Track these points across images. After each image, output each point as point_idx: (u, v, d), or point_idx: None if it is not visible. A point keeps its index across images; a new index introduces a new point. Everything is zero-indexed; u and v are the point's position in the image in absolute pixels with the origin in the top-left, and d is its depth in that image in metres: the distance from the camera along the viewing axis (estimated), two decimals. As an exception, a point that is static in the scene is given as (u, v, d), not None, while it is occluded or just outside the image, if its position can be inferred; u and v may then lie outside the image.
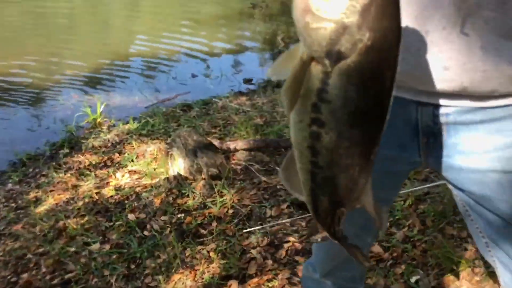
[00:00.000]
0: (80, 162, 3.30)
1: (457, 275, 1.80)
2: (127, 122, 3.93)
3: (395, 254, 1.97)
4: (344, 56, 0.51)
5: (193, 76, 5.28)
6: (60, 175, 3.11)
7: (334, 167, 0.60)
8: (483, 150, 0.81)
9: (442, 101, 0.79)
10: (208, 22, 8.05)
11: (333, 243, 0.79)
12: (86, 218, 2.55)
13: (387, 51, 0.52)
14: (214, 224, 2.32)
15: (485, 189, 0.83)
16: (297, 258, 2.04)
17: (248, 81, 5.15)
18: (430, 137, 0.84)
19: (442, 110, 0.80)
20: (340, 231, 0.72)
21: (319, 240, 0.77)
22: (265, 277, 1.96)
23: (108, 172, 3.09)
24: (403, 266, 1.90)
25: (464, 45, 0.73)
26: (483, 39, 0.72)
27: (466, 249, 1.91)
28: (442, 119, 0.81)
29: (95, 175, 3.07)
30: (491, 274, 1.75)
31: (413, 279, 1.83)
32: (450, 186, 0.91)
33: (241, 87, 4.99)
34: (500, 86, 0.75)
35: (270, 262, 2.04)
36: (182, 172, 2.75)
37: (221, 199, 2.48)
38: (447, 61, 0.74)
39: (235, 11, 8.18)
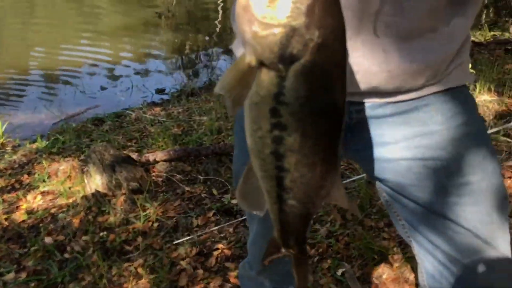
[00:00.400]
0: (-17, 187, 3.04)
1: (378, 264, 1.92)
2: (35, 141, 3.69)
3: (320, 250, 2.05)
4: (297, 58, 0.52)
5: (102, 88, 5.11)
6: (-39, 203, 2.85)
7: (301, 167, 0.61)
8: (394, 141, 0.88)
9: (355, 99, 0.86)
10: (112, 32, 7.81)
11: (266, 239, 0.81)
12: (-4, 247, 2.36)
13: (336, 46, 0.54)
14: (140, 239, 2.26)
15: (399, 177, 0.90)
16: (227, 264, 2.05)
17: (160, 91, 5.08)
18: (347, 132, 0.90)
19: (356, 107, 0.87)
20: (305, 237, 0.73)
21: (273, 258, 0.76)
22: (197, 287, 1.94)
23: (17, 195, 2.88)
24: (329, 261, 1.99)
25: (368, 51, 0.80)
26: (385, 42, 0.80)
27: (384, 239, 2.04)
28: (356, 115, 0.88)
29: (3, 199, 2.84)
30: (408, 259, 1.88)
31: (339, 272, 1.92)
32: (370, 177, 0.98)
33: (154, 98, 4.91)
34: (404, 83, 0.83)
35: (200, 271, 2.03)
36: (100, 189, 2.64)
37: (144, 213, 2.42)
38: (355, 66, 0.81)
39: (139, 21, 8.01)
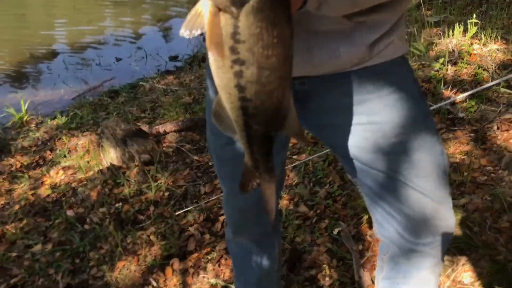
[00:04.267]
0: (11, 165, 3.26)
1: (371, 222, 2.01)
2: (55, 117, 3.88)
3: (318, 211, 2.16)
4: (246, 1, 0.60)
5: (117, 60, 5.21)
6: (-8, 181, 3.08)
7: (261, 96, 0.70)
8: (335, 109, 0.99)
9: (296, 74, 0.94)
10: (130, 2, 7.84)
11: (239, 197, 0.90)
12: (24, 221, 2.57)
13: None
14: (152, 208, 2.42)
15: (343, 141, 1.01)
16: (232, 228, 2.19)
17: (174, 58, 5.16)
18: (296, 103, 1.00)
19: (296, 80, 0.96)
20: (272, 160, 0.83)
21: (254, 186, 0.87)
22: (204, 251, 2.10)
23: (41, 171, 3.09)
24: (326, 221, 2.10)
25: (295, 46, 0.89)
26: (309, 41, 0.89)
27: (379, 197, 2.12)
28: (300, 88, 0.98)
29: (29, 176, 3.06)
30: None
31: (335, 231, 2.03)
32: (325, 144, 1.08)
33: (168, 66, 5.00)
34: (331, 70, 0.93)
35: (207, 236, 2.18)
36: (115, 162, 2.80)
37: (155, 184, 2.58)
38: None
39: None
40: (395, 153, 0.98)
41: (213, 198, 2.38)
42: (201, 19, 0.65)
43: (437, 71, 2.92)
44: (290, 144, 2.67)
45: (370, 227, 2.00)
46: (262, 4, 0.61)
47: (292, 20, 0.66)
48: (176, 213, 2.32)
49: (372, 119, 0.97)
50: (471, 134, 2.35)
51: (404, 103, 0.97)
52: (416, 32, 3.67)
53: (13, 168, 3.22)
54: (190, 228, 2.24)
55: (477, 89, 2.57)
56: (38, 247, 2.34)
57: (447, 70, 2.92)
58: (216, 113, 0.77)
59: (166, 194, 2.51)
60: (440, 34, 3.53)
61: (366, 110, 0.97)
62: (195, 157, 2.79)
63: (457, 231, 1.84)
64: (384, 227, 1.09)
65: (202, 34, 0.67)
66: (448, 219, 1.05)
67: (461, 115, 2.48)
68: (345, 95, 0.97)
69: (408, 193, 0.99)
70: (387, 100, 0.96)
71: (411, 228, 1.04)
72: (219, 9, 0.62)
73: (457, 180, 2.08)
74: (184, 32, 0.66)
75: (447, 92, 2.72)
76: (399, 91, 0.96)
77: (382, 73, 0.96)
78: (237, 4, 0.60)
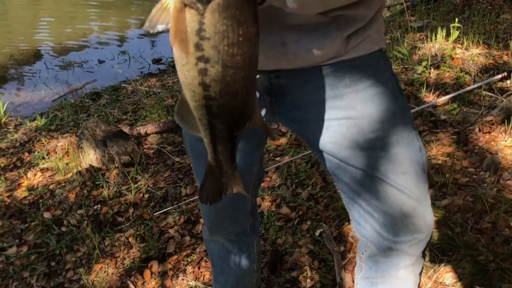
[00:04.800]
0: (-13, 167, 3.18)
1: (354, 223, 1.99)
2: (34, 119, 3.80)
3: (300, 213, 2.13)
4: None
5: (100, 62, 5.15)
6: (-33, 183, 2.99)
7: (225, 95, 0.68)
8: (312, 104, 0.96)
9: (270, 67, 0.93)
10: (117, 3, 7.79)
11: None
12: (-1, 224, 2.50)
13: None
14: (131, 210, 2.37)
15: (319, 136, 0.98)
16: (212, 230, 2.15)
17: (157, 61, 5.11)
18: (272, 97, 0.98)
19: (273, 73, 0.94)
20: (235, 159, 0.81)
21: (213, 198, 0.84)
22: (184, 253, 2.06)
23: (18, 173, 3.01)
24: (308, 222, 2.07)
25: (269, 42, 0.87)
26: (283, 36, 0.87)
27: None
28: (275, 81, 0.95)
29: (5, 178, 2.98)
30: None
31: (317, 233, 2.01)
32: (304, 140, 1.06)
33: (151, 68, 4.95)
34: (305, 64, 0.91)
35: (187, 238, 2.14)
36: (95, 164, 2.74)
37: (135, 185, 2.53)
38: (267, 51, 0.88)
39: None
40: (372, 149, 0.95)
41: (194, 198, 2.34)
42: (166, 13, 0.64)
43: (420, 74, 2.93)
44: (273, 146, 2.65)
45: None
46: (228, 2, 0.60)
47: (258, 19, 0.65)
48: (155, 214, 2.27)
49: (348, 114, 0.93)
50: (453, 136, 2.35)
51: (381, 98, 0.94)
52: (399, 37, 3.70)
53: (-11, 170, 3.13)
54: (170, 230, 2.19)
55: (459, 92, 2.58)
56: (12, 250, 2.27)
57: (429, 73, 2.94)
58: (179, 112, 0.75)
59: (146, 196, 2.47)
60: (423, 38, 3.56)
61: (343, 104, 0.93)
62: (176, 159, 2.74)
63: (439, 232, 1.83)
64: (361, 225, 1.06)
65: (167, 29, 0.65)
66: (426, 217, 1.02)
67: (443, 117, 2.49)
68: (321, 89, 0.94)
69: (385, 190, 0.96)
70: (364, 94, 0.93)
71: (389, 226, 1.01)
72: (185, 5, 0.61)
73: (439, 181, 2.08)
74: (147, 26, 0.64)
75: (429, 95, 2.73)
76: (376, 85, 0.93)
77: (358, 67, 0.93)
78: (203, 0, 0.59)
